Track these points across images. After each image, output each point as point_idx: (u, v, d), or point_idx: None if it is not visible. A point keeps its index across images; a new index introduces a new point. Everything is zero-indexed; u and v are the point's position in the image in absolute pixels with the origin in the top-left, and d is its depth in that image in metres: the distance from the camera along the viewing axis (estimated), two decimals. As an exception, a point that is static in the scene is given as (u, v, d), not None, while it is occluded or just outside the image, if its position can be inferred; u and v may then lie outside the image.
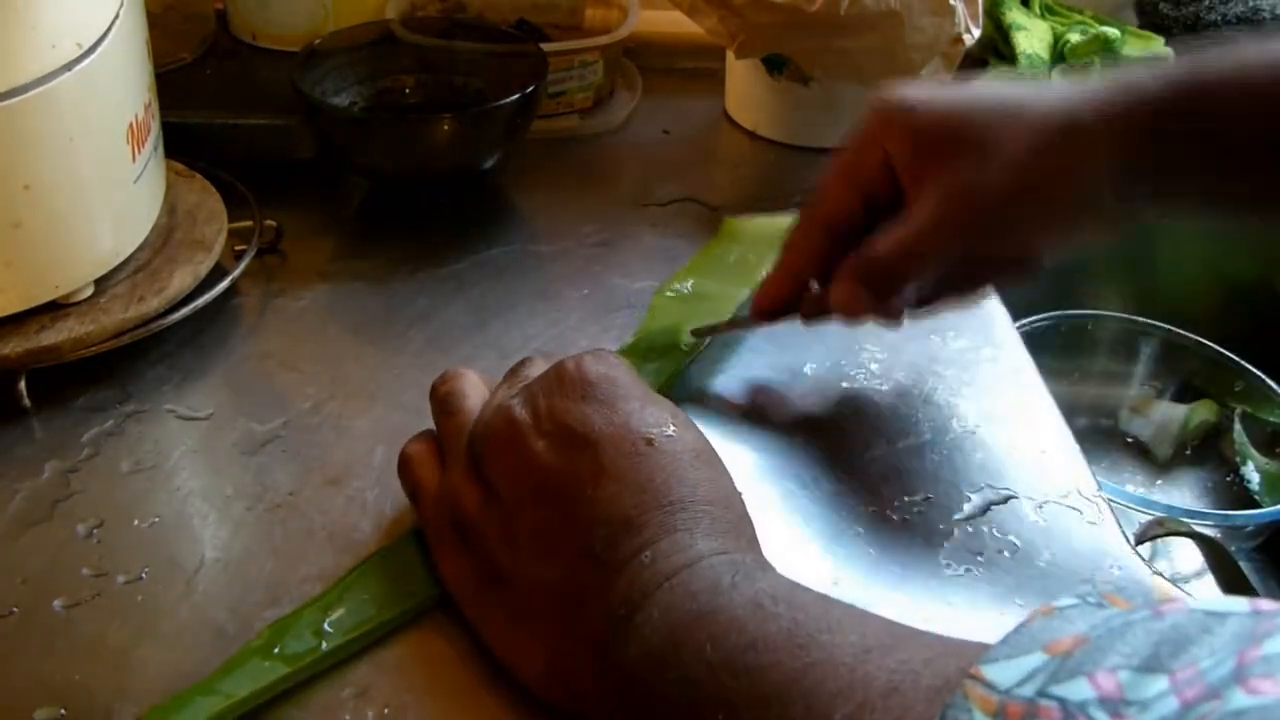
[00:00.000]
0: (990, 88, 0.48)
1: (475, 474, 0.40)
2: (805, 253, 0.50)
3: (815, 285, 0.50)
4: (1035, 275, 0.50)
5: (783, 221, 0.62)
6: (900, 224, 0.46)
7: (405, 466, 0.44)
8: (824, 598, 0.34)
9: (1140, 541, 0.47)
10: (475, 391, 0.43)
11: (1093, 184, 0.45)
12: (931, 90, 0.47)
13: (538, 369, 0.42)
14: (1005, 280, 0.52)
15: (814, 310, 0.51)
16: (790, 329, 0.53)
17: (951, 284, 0.51)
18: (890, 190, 0.47)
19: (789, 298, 0.51)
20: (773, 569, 0.36)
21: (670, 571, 0.35)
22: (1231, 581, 0.44)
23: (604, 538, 0.36)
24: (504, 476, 0.38)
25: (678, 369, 0.53)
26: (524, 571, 0.37)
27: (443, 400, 0.44)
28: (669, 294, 0.58)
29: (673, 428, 0.38)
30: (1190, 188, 0.46)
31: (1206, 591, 0.46)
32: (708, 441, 0.40)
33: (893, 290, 0.47)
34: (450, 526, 0.40)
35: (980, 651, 0.28)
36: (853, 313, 0.49)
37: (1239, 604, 0.24)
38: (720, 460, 0.39)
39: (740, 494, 0.39)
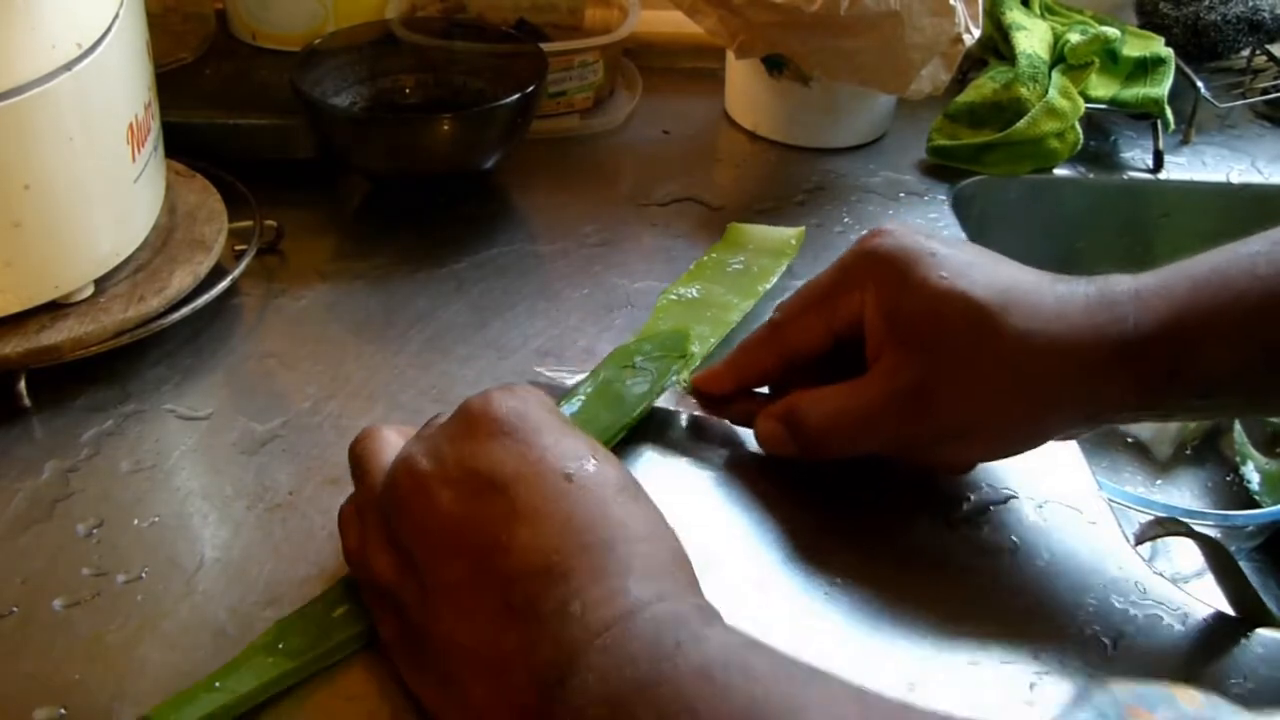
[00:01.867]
0: (983, 271, 0.43)
1: (388, 537, 0.37)
2: (755, 366, 0.48)
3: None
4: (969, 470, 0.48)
5: (788, 233, 0.63)
6: (843, 395, 0.44)
7: (340, 530, 0.41)
8: (783, 663, 0.30)
9: (1140, 541, 0.47)
10: (387, 449, 0.40)
11: (1060, 415, 0.43)
12: (932, 246, 0.44)
13: (445, 418, 0.39)
14: (939, 469, 0.49)
15: (744, 418, 0.49)
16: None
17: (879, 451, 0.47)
18: (860, 338, 0.45)
19: (726, 394, 0.49)
20: (718, 619, 0.33)
21: (601, 626, 0.31)
22: (1233, 582, 0.44)
23: (524, 590, 0.33)
24: (413, 535, 0.36)
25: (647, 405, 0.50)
26: (446, 635, 0.34)
27: (354, 464, 0.41)
28: (673, 297, 0.58)
29: (593, 461, 0.36)
30: (1164, 409, 0.43)
31: (1207, 592, 0.46)
32: (631, 475, 0.37)
33: (820, 453, 0.46)
34: (374, 593, 0.39)
35: None
36: (774, 452, 0.47)
37: None
38: (647, 495, 0.37)
39: (672, 529, 0.36)
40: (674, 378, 0.51)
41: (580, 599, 0.32)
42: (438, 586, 0.35)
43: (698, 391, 0.50)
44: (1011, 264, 0.45)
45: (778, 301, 0.49)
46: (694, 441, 0.51)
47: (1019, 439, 0.44)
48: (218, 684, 0.38)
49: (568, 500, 0.34)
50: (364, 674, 0.39)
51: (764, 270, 0.60)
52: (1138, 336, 0.41)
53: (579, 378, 0.51)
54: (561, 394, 0.50)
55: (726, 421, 0.51)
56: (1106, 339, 0.41)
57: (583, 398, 0.50)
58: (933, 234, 0.45)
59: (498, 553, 0.33)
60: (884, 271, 0.44)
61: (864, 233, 0.47)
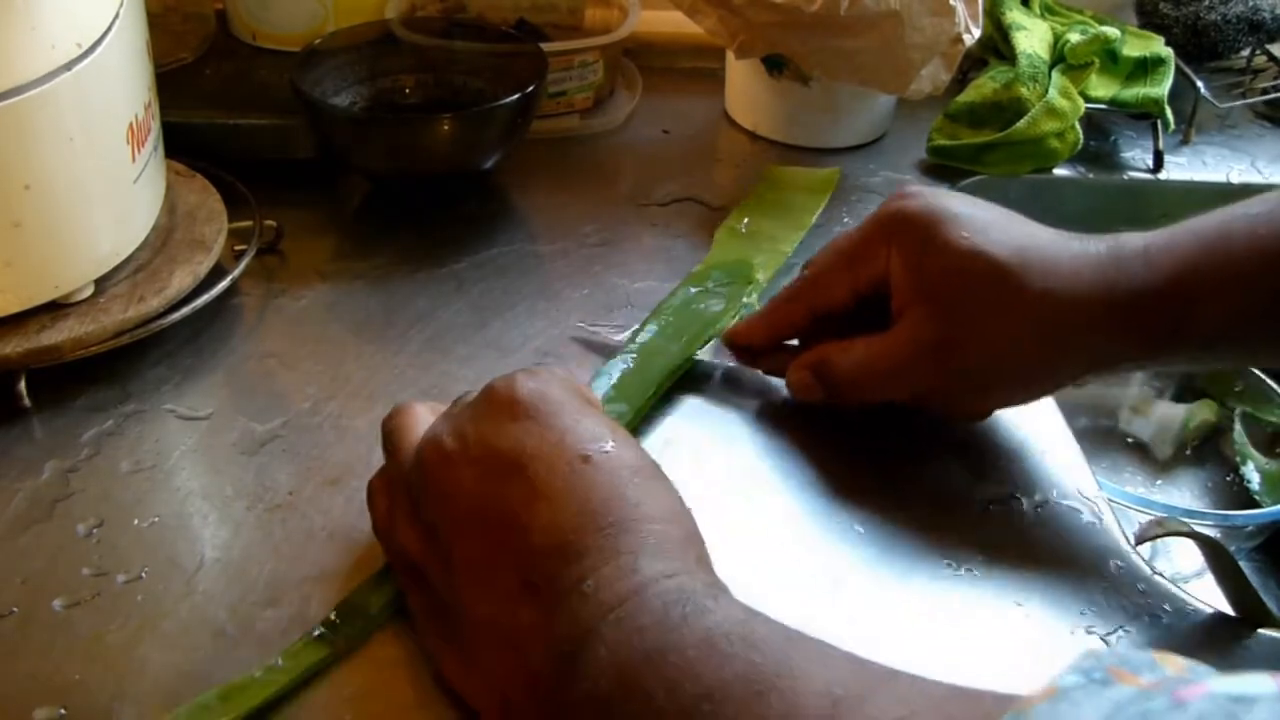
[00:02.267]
0: (1003, 230, 0.46)
1: (414, 512, 0.38)
2: (786, 319, 0.51)
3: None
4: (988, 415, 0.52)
5: (823, 173, 0.69)
6: (871, 346, 0.47)
7: (368, 502, 0.42)
8: (784, 631, 0.31)
9: (1140, 541, 0.47)
10: (418, 425, 0.41)
11: (1071, 364, 0.46)
12: (954, 207, 0.46)
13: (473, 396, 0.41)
14: (961, 418, 0.52)
15: (776, 369, 0.52)
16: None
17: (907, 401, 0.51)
18: (885, 294, 0.47)
19: (759, 346, 0.52)
20: (726, 593, 0.34)
21: (615, 601, 0.32)
22: (1233, 582, 0.44)
23: (542, 566, 0.34)
24: (438, 511, 0.37)
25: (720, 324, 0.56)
26: (467, 608, 0.35)
27: (385, 439, 0.42)
28: (729, 229, 0.64)
29: (611, 443, 0.36)
30: (1166, 360, 0.47)
31: (1207, 592, 0.46)
32: (649, 457, 0.38)
33: (849, 399, 0.49)
34: (401, 565, 0.40)
35: (963, 706, 0.27)
36: (802, 399, 0.51)
37: (1265, 686, 0.21)
38: (664, 475, 0.38)
39: (689, 510, 0.37)
40: (745, 300, 0.57)
41: (594, 577, 0.33)
42: (460, 561, 0.36)
43: (732, 344, 0.53)
44: (1030, 223, 0.47)
45: (808, 257, 0.52)
46: (730, 392, 0.53)
47: (1033, 386, 0.48)
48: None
49: (585, 481, 0.35)
50: (366, 674, 0.39)
51: (807, 205, 0.66)
52: (1145, 292, 0.44)
53: (620, 336, 0.55)
54: (627, 336, 0.55)
55: (760, 373, 0.54)
56: (1117, 294, 0.44)
57: (669, 316, 0.56)
58: (952, 194, 0.48)
59: (517, 531, 0.34)
60: (909, 231, 0.46)
61: (891, 192, 0.49)
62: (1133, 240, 0.45)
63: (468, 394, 0.40)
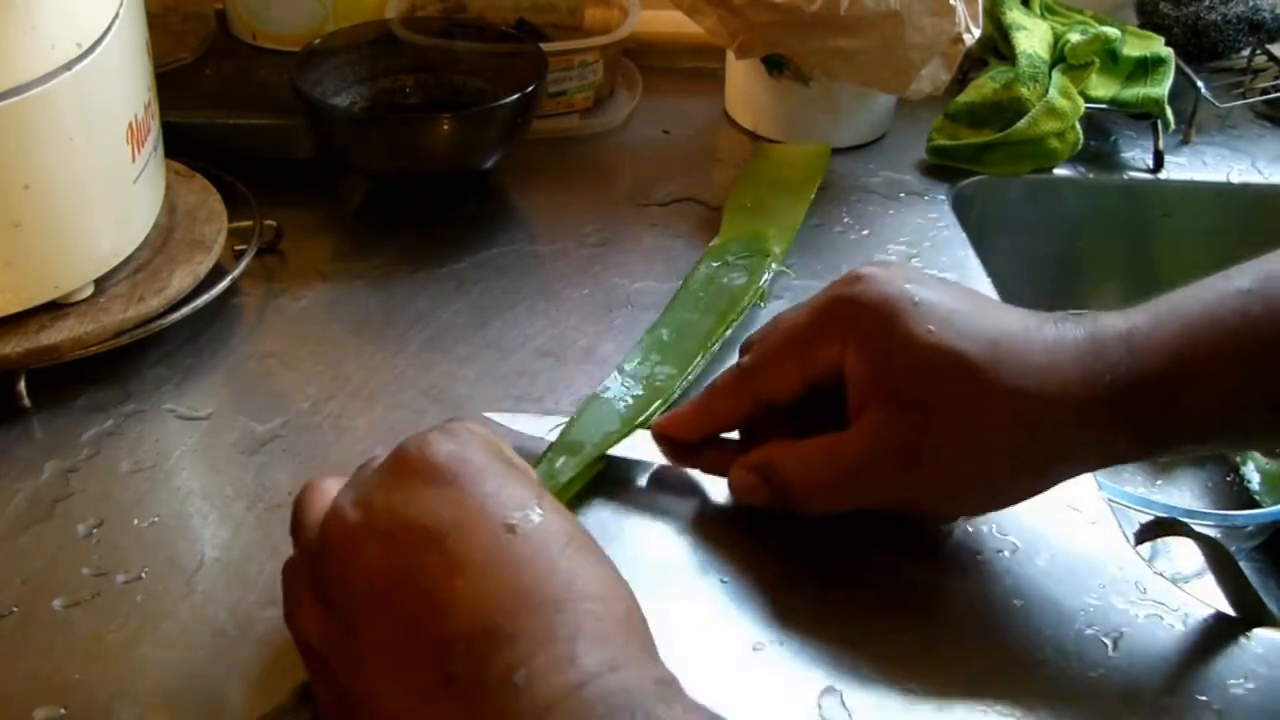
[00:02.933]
0: (970, 321, 0.41)
1: (318, 594, 0.34)
2: (726, 411, 0.46)
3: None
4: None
5: (813, 148, 0.70)
6: (825, 450, 0.42)
7: (282, 587, 0.37)
8: None
9: (1140, 541, 0.47)
10: (325, 499, 0.36)
11: (1058, 466, 0.41)
12: (914, 294, 0.41)
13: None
14: (933, 523, 0.46)
15: (715, 467, 0.46)
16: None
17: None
18: (838, 387, 0.43)
19: (693, 441, 0.47)
20: (677, 694, 0.30)
21: (550, 698, 0.28)
22: (1233, 582, 0.44)
23: (464, 653, 0.30)
24: (342, 592, 0.32)
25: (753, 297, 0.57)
26: (376, 702, 0.31)
27: (292, 519, 0.38)
28: (736, 205, 0.65)
29: (539, 511, 0.33)
30: (1164, 451, 0.42)
31: (1207, 592, 0.46)
32: (581, 526, 0.34)
33: (797, 507, 0.43)
34: (305, 653, 0.35)
35: None
36: (750, 502, 0.45)
37: None
38: (598, 546, 0.34)
39: (626, 585, 0.33)
40: (767, 275, 0.58)
41: (526, 667, 0.29)
42: (368, 649, 0.31)
43: (662, 437, 0.47)
44: (997, 306, 0.43)
45: (746, 336, 0.47)
46: (657, 493, 0.47)
47: (1015, 492, 0.42)
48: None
49: (511, 553, 0.31)
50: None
51: (806, 179, 0.68)
52: (1132, 384, 0.39)
53: (540, 421, 0.49)
54: (548, 427, 0.49)
55: (695, 472, 0.48)
56: (1100, 388, 0.39)
57: (697, 291, 0.57)
58: (912, 275, 0.43)
59: (433, 612, 0.30)
60: (866, 323, 0.42)
61: (842, 275, 0.44)
62: (1113, 324, 0.41)
63: (373, 460, 0.36)
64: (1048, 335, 0.41)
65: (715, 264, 0.59)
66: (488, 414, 0.49)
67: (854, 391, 0.42)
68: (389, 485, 0.33)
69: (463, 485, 0.33)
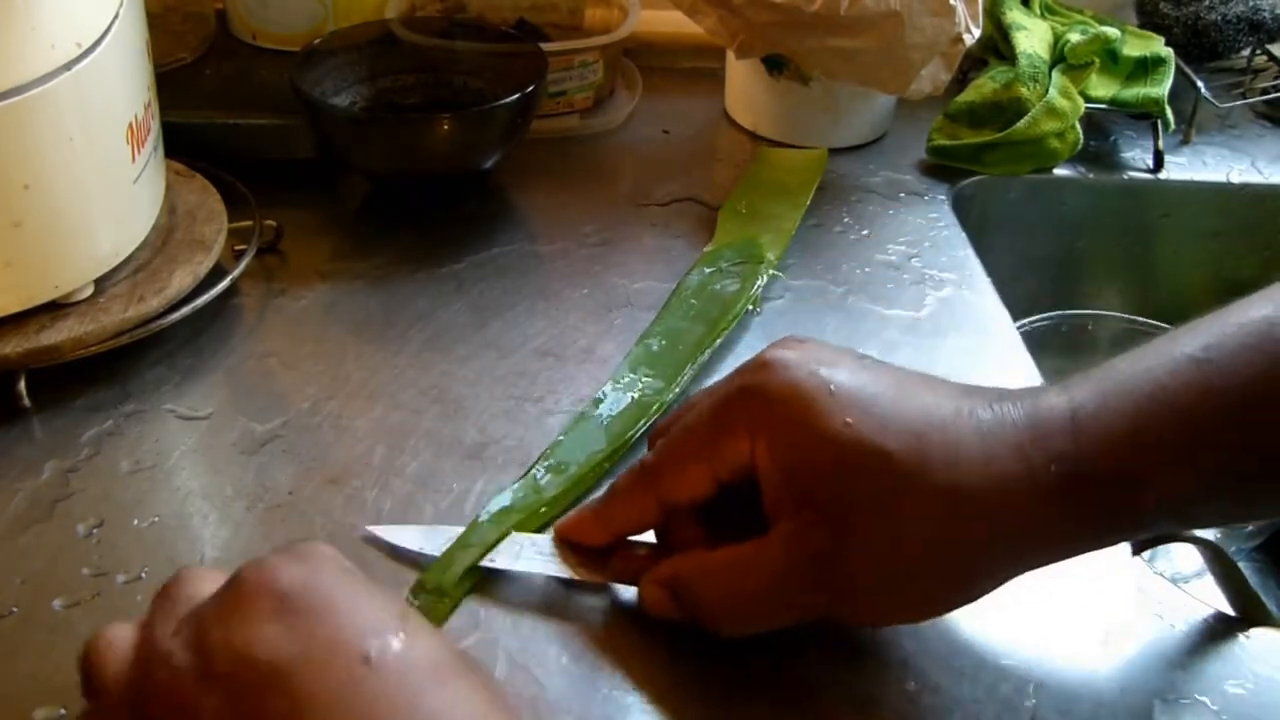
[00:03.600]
0: (893, 409, 0.37)
1: None
2: (630, 515, 0.41)
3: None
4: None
5: (811, 154, 0.71)
6: (735, 564, 0.38)
7: None
8: None
9: (1138, 551, 0.47)
10: (125, 647, 0.31)
11: (997, 567, 0.37)
12: (829, 379, 0.37)
13: (205, 585, 0.31)
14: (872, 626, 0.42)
15: (625, 576, 0.42)
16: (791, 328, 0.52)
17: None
18: (751, 483, 0.38)
19: (597, 544, 0.42)
20: None
21: None
22: (1232, 583, 0.44)
23: None
24: None
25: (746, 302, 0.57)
26: None
27: (83, 679, 0.31)
28: (731, 211, 0.65)
29: (400, 636, 0.29)
30: (1131, 535, 0.38)
31: (1207, 592, 0.46)
32: (453, 648, 0.30)
33: (710, 625, 0.39)
34: None
35: None
36: (657, 617, 0.40)
37: None
38: (475, 668, 0.30)
39: (510, 711, 0.29)
40: (761, 280, 0.58)
41: None
42: None
43: (565, 541, 0.43)
44: (925, 385, 0.38)
45: (654, 424, 0.44)
46: (560, 602, 0.42)
47: (952, 600, 0.38)
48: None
49: (365, 689, 0.27)
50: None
51: (802, 185, 0.68)
52: (1081, 476, 0.35)
53: (432, 533, 0.44)
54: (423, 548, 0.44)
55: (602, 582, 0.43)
56: (1040, 481, 0.35)
57: (690, 299, 0.57)
58: (825, 357, 0.38)
59: None
60: (777, 417, 0.37)
61: (745, 361, 0.40)
62: (1055, 406, 0.36)
63: (183, 575, 0.32)
64: (982, 421, 0.36)
65: (708, 270, 0.60)
66: (370, 527, 0.44)
67: (768, 492, 0.38)
68: (226, 618, 0.29)
69: (312, 614, 0.29)
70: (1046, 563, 0.37)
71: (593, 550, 0.42)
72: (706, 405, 0.40)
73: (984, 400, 0.37)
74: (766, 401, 0.38)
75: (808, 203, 0.66)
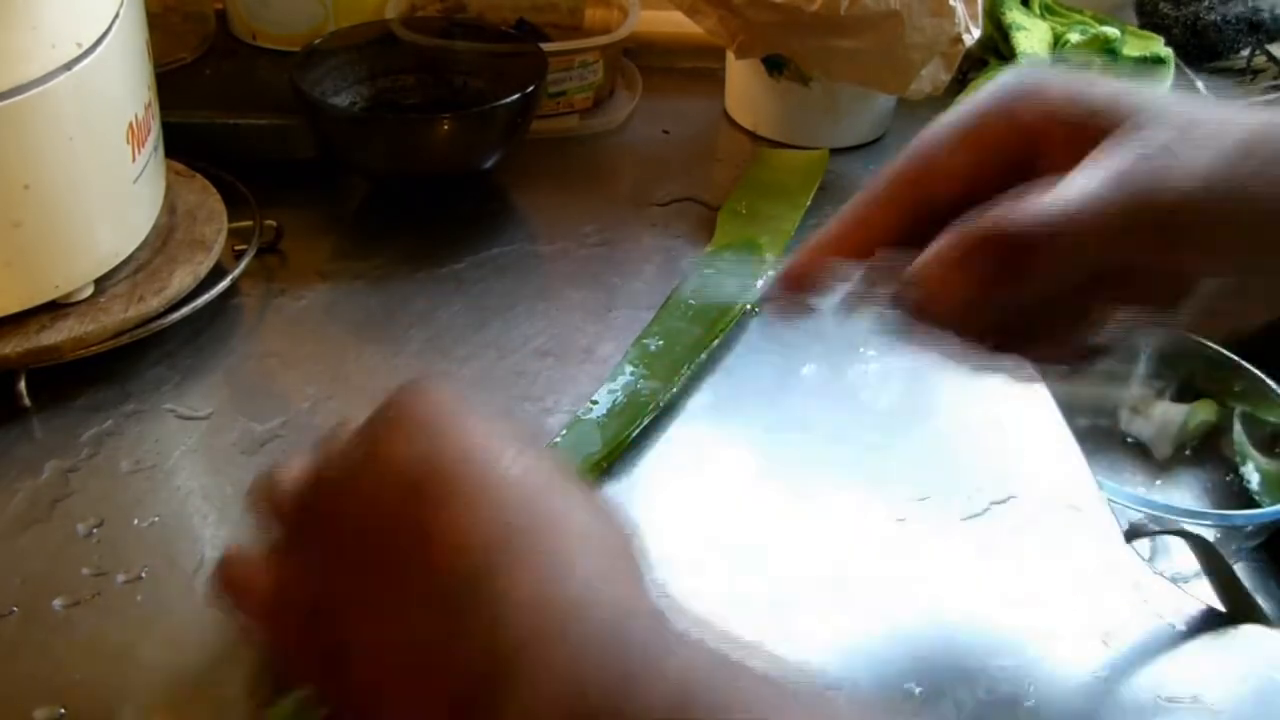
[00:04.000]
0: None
1: (300, 558, 0.32)
2: (883, 208, 0.37)
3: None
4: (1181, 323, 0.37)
5: (811, 155, 0.70)
6: (1052, 190, 0.33)
7: (231, 601, 0.34)
8: (756, 682, 0.27)
9: (1130, 539, 0.47)
10: (292, 476, 0.34)
11: None
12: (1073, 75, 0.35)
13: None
14: (1145, 318, 0.37)
15: (872, 290, 0.37)
16: (789, 330, 0.53)
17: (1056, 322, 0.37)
18: (1021, 170, 0.35)
19: (844, 258, 0.37)
20: (668, 621, 0.28)
21: (539, 627, 0.27)
22: (1223, 580, 0.44)
23: (450, 584, 0.28)
24: (331, 544, 0.31)
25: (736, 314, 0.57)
26: (358, 652, 0.29)
27: (255, 507, 0.34)
28: (730, 212, 0.65)
29: (526, 453, 0.31)
30: None
31: (1206, 591, 0.46)
32: (569, 471, 0.33)
33: (1006, 284, 0.33)
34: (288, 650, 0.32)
35: None
36: (937, 300, 0.34)
37: None
38: (588, 488, 0.32)
39: (625, 523, 0.32)
40: (760, 281, 0.58)
41: (513, 596, 0.28)
42: (351, 598, 0.30)
43: (800, 277, 0.38)
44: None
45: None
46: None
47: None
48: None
49: (502, 488, 0.30)
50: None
51: (802, 187, 0.68)
52: None
53: None
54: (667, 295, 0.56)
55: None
56: None
57: (689, 299, 0.57)
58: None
59: (421, 544, 0.29)
60: (1040, 88, 0.35)
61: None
62: None
63: (336, 433, 0.34)
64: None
65: (708, 271, 0.60)
66: None
67: (1057, 146, 0.34)
68: (368, 439, 0.32)
69: (445, 432, 0.31)
70: None
71: (807, 287, 0.38)
72: (966, 105, 0.36)
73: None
74: (1042, 83, 0.35)
75: (808, 202, 0.66)
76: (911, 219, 0.36)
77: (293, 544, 0.33)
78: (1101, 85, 0.35)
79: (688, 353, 0.54)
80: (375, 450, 0.31)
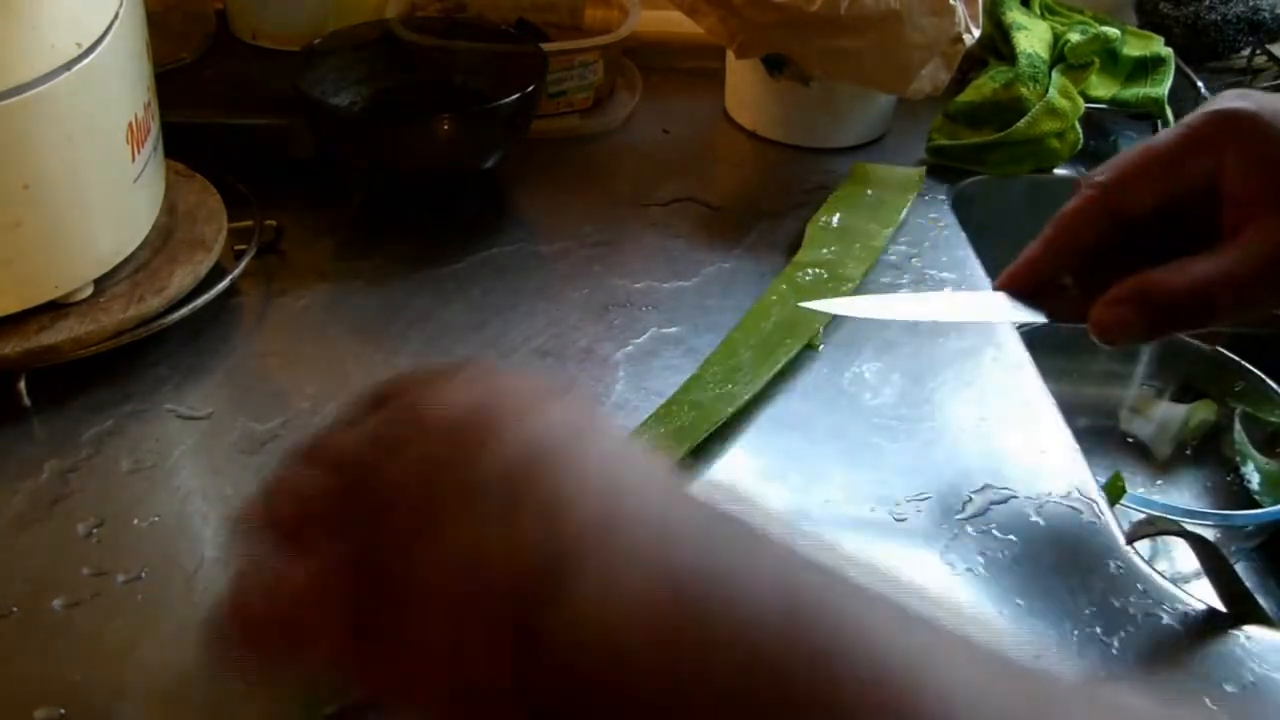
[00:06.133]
0: None
1: (317, 544, 0.29)
2: (1077, 232, 0.44)
3: (1069, 280, 0.46)
4: None
5: (911, 171, 0.69)
6: (1213, 258, 0.41)
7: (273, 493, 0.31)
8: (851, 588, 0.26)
9: (1131, 540, 0.47)
10: (346, 438, 0.31)
11: None
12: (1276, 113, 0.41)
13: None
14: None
15: (1067, 312, 0.45)
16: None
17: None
18: (1203, 208, 0.42)
19: (1041, 277, 0.46)
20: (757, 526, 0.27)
21: (603, 516, 0.25)
22: (1224, 580, 0.44)
23: (507, 484, 0.26)
24: (362, 498, 0.28)
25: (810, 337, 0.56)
26: (409, 576, 0.26)
27: (302, 461, 0.31)
28: (820, 224, 0.64)
29: (595, 418, 0.30)
30: None
31: (1207, 591, 0.46)
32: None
33: (1174, 329, 0.42)
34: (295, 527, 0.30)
35: None
36: (1114, 339, 0.43)
37: None
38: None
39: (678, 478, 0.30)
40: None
41: (570, 490, 0.26)
42: (403, 524, 0.27)
43: (1010, 289, 0.47)
44: None
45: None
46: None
47: None
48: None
49: (554, 407, 0.29)
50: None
51: (896, 202, 0.67)
52: None
53: None
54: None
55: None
56: None
57: (772, 311, 0.57)
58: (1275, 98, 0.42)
59: (478, 454, 0.27)
60: (1248, 129, 0.41)
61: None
62: None
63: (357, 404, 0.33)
64: None
65: (785, 286, 0.59)
66: None
67: (1232, 201, 0.41)
68: (416, 388, 0.30)
69: (494, 377, 0.30)
70: None
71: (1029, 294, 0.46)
72: (1168, 132, 0.43)
73: None
74: (1237, 119, 0.41)
75: (899, 219, 0.65)
76: (1102, 238, 0.44)
77: (323, 533, 0.29)
78: None
79: (765, 364, 0.53)
80: (425, 395, 0.29)
